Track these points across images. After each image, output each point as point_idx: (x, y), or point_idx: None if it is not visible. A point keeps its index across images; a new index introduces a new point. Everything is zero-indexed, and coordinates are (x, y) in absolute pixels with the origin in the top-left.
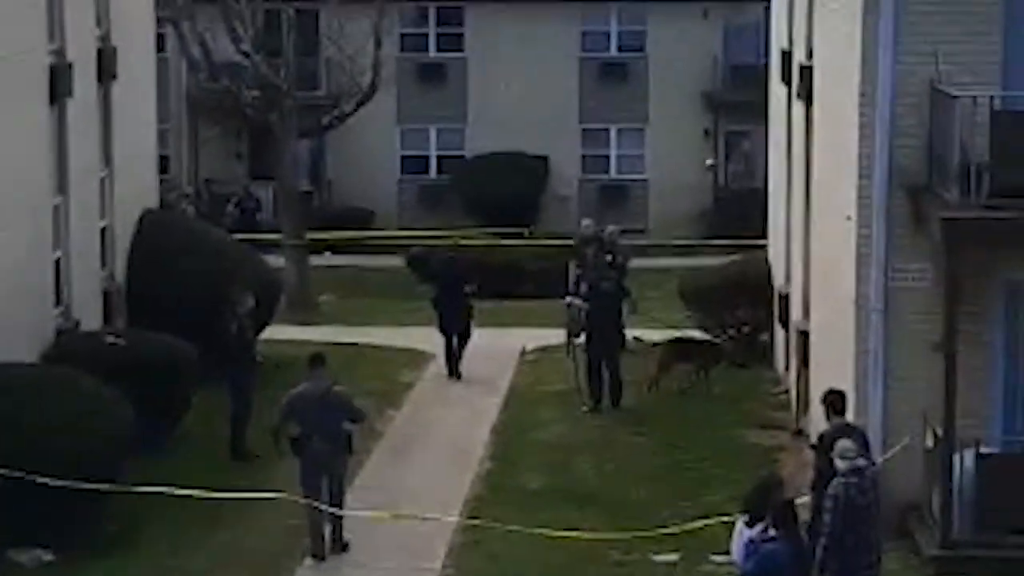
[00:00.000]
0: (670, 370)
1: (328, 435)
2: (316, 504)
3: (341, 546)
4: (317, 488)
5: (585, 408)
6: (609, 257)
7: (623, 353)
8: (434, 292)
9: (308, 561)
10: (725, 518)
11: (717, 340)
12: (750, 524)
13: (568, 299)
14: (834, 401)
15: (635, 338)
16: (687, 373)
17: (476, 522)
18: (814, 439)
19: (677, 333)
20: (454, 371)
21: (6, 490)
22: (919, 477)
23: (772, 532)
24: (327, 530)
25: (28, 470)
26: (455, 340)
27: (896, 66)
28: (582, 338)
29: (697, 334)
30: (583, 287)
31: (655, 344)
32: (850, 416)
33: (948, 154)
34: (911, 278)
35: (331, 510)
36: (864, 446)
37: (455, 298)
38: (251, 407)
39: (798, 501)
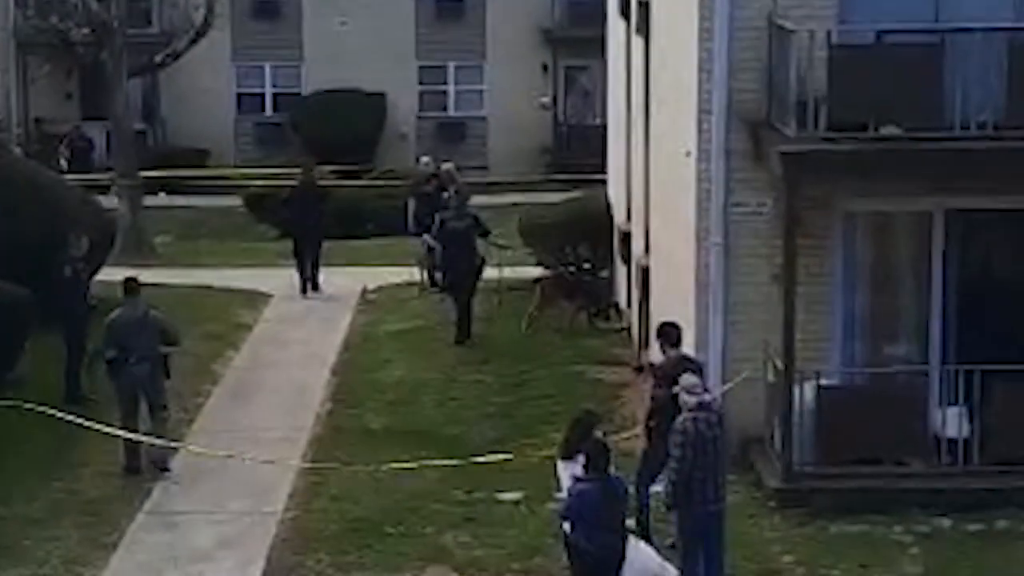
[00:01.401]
0: (551, 307)
1: (145, 357)
2: (131, 427)
3: (161, 468)
4: (134, 409)
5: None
6: (446, 194)
7: (477, 290)
8: (287, 213)
9: (147, 506)
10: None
11: (600, 278)
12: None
13: (424, 237)
14: (668, 333)
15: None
16: (566, 311)
17: (319, 465)
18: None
19: (553, 271)
20: (311, 287)
21: None
22: (761, 410)
23: (584, 472)
24: (143, 450)
25: None
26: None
27: (734, 0)
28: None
29: (572, 272)
30: (435, 224)
31: (536, 280)
32: (691, 350)
33: (786, 88)
34: (751, 212)
35: (146, 439)
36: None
37: (309, 216)
38: (85, 351)
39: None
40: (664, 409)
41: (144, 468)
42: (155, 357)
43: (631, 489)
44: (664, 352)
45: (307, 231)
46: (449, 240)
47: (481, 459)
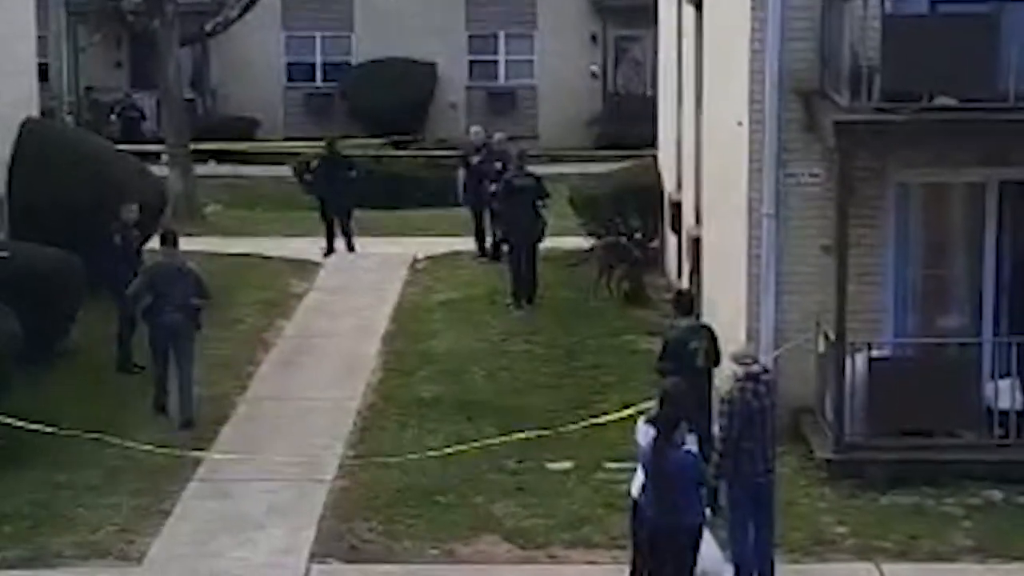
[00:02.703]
0: (611, 273)
1: (178, 306)
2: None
3: (191, 420)
4: (165, 353)
5: (510, 307)
6: (499, 164)
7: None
8: (312, 179)
9: (200, 473)
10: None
11: (644, 243)
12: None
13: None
14: (681, 301)
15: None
16: (622, 276)
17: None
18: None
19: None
20: (348, 249)
21: None
22: (812, 381)
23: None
24: (173, 399)
25: None
26: (337, 222)
27: None
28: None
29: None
30: (493, 187)
31: (590, 248)
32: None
33: (839, 58)
34: (803, 182)
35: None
36: (715, 346)
37: (335, 184)
38: (136, 320)
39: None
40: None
41: (170, 411)
42: (189, 308)
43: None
44: (675, 319)
45: (333, 197)
46: (512, 199)
47: (531, 432)
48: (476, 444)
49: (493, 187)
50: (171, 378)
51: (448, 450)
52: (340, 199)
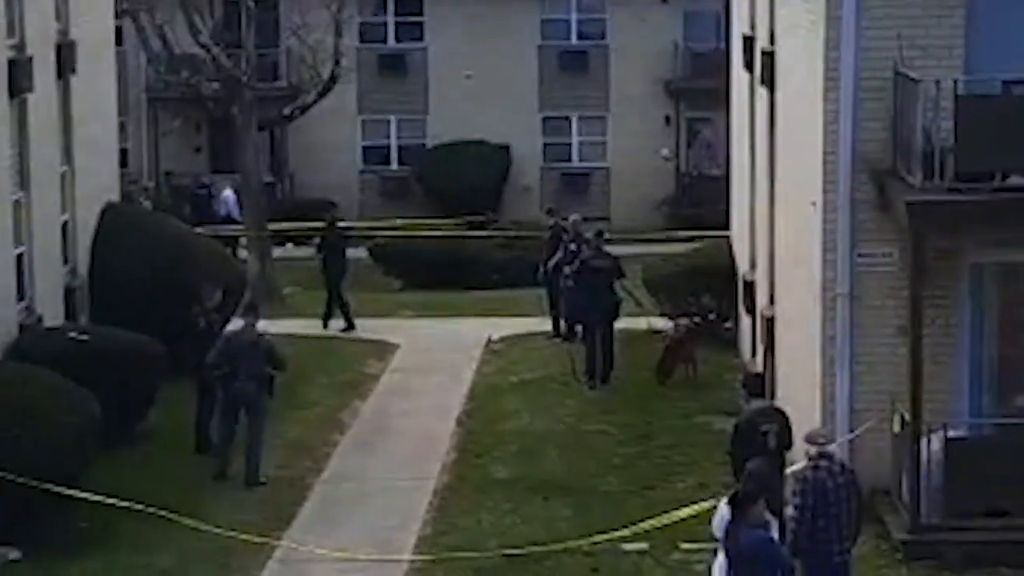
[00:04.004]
0: (679, 355)
1: (252, 375)
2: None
3: (256, 480)
4: (234, 419)
5: (585, 387)
6: (573, 246)
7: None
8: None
9: (277, 554)
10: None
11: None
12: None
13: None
14: (752, 384)
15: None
16: (691, 359)
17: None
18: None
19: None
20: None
21: None
22: (887, 461)
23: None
24: (246, 462)
25: None
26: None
27: (859, 50)
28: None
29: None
30: (568, 268)
31: (656, 331)
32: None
33: (912, 138)
34: (876, 262)
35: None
36: (787, 428)
37: (333, 261)
38: (214, 399)
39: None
40: (741, 464)
41: (230, 475)
42: (262, 377)
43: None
44: (746, 403)
45: (328, 276)
46: (589, 278)
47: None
48: (551, 521)
49: (568, 268)
50: (236, 446)
51: (522, 524)
52: (334, 278)
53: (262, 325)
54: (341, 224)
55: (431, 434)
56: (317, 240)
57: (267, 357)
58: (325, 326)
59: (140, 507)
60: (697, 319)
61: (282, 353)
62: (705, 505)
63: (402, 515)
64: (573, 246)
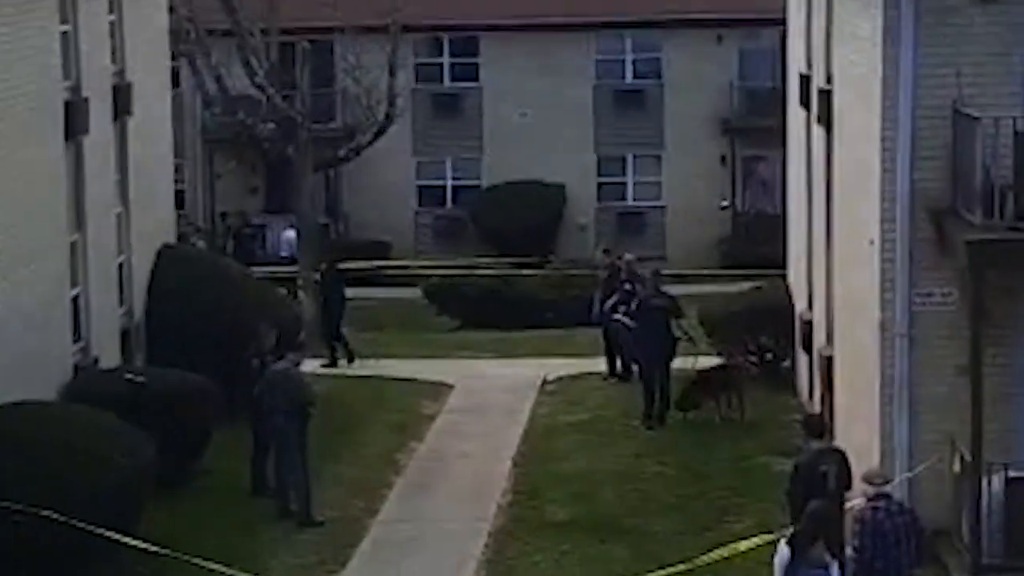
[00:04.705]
0: (709, 392)
1: (282, 409)
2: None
3: (309, 520)
4: (264, 448)
5: (641, 427)
6: (628, 286)
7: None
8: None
9: None
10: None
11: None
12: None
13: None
14: (811, 424)
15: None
16: (719, 397)
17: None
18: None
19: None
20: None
21: (26, 529)
22: (947, 502)
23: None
24: (296, 502)
25: (47, 508)
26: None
27: (917, 88)
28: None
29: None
30: (622, 308)
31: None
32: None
33: (971, 176)
34: (935, 302)
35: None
36: (846, 469)
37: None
38: (271, 443)
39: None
40: (800, 505)
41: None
42: (291, 411)
43: None
44: (806, 444)
45: (331, 314)
46: (648, 318)
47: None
48: (610, 564)
49: (624, 308)
50: (269, 474)
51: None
52: (333, 318)
53: (318, 369)
54: (341, 267)
55: (486, 475)
56: (316, 279)
57: (295, 390)
58: (334, 365)
59: (192, 557)
60: (738, 358)
61: (312, 389)
62: (767, 537)
63: (458, 557)
64: (628, 286)
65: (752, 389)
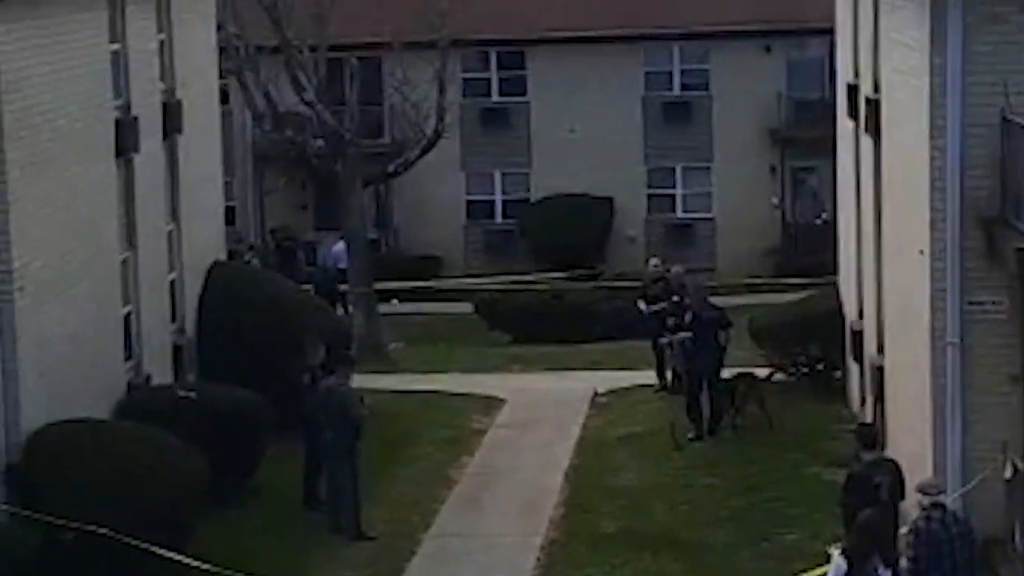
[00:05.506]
0: (746, 404)
1: (329, 424)
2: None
3: (359, 534)
4: (316, 466)
5: (690, 437)
6: (676, 298)
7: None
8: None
9: None
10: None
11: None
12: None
13: (665, 338)
14: (863, 435)
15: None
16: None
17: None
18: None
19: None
20: None
21: (79, 547)
22: (1001, 511)
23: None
24: (347, 516)
25: (102, 525)
26: None
27: (965, 98)
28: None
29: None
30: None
31: (729, 380)
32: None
33: (1020, 185)
34: (986, 310)
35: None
36: (899, 480)
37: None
38: (322, 457)
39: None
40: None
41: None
42: (341, 427)
43: None
44: (858, 455)
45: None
46: (697, 330)
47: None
48: None
49: (671, 320)
50: (321, 490)
51: None
52: None
53: (369, 384)
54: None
55: (538, 489)
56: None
57: (347, 407)
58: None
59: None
60: (803, 369)
61: (363, 405)
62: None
63: (510, 571)
64: (676, 298)
65: (772, 398)
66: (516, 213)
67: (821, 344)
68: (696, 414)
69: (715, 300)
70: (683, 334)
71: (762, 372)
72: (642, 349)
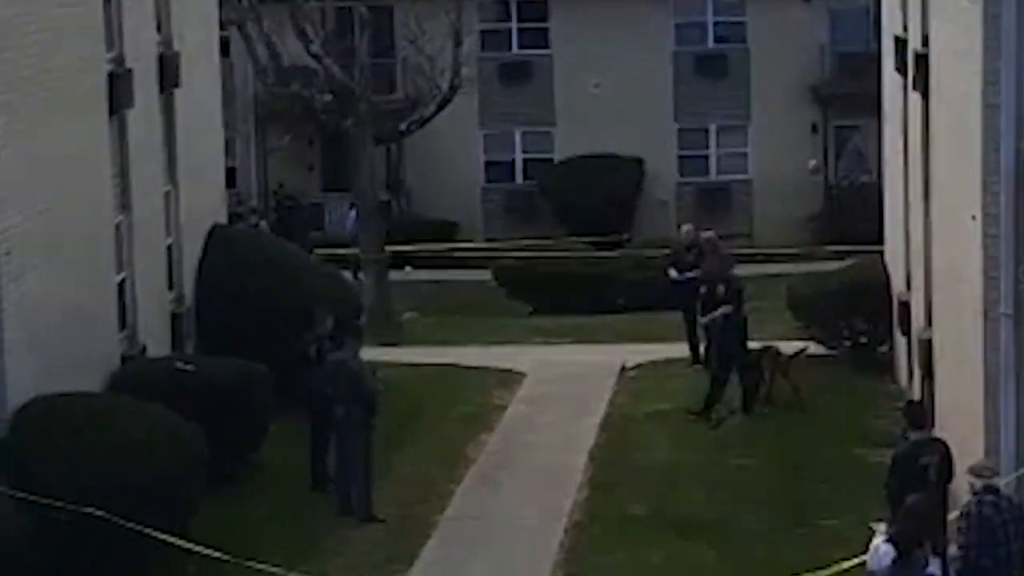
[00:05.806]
0: (773, 381)
1: (339, 398)
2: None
3: (369, 516)
4: (324, 442)
5: (724, 414)
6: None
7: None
8: None
9: None
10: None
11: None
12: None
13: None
14: (912, 414)
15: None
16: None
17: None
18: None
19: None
20: None
21: (75, 525)
22: None
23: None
24: (356, 497)
25: (96, 504)
26: None
27: (1021, 51)
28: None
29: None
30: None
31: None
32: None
33: None
34: None
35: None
36: (948, 461)
37: None
38: (330, 433)
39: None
40: (897, 500)
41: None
42: (353, 402)
43: None
44: (906, 434)
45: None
46: (732, 300)
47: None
48: (692, 562)
49: (703, 288)
50: (330, 468)
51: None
52: None
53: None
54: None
55: (561, 468)
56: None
57: (351, 380)
58: None
59: (252, 552)
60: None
61: (376, 378)
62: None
63: (531, 556)
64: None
65: (802, 373)
66: (537, 174)
67: (866, 316)
68: (719, 392)
69: (751, 269)
70: (723, 309)
71: (789, 347)
72: (672, 321)
